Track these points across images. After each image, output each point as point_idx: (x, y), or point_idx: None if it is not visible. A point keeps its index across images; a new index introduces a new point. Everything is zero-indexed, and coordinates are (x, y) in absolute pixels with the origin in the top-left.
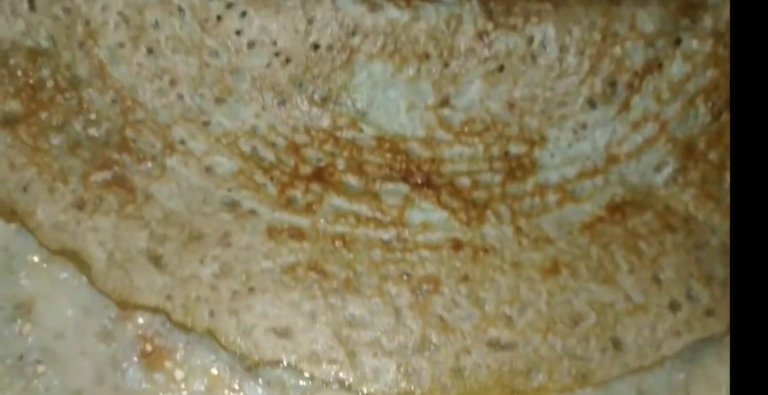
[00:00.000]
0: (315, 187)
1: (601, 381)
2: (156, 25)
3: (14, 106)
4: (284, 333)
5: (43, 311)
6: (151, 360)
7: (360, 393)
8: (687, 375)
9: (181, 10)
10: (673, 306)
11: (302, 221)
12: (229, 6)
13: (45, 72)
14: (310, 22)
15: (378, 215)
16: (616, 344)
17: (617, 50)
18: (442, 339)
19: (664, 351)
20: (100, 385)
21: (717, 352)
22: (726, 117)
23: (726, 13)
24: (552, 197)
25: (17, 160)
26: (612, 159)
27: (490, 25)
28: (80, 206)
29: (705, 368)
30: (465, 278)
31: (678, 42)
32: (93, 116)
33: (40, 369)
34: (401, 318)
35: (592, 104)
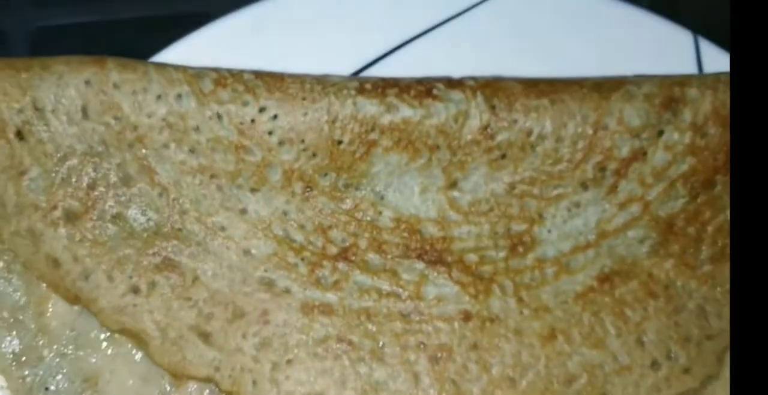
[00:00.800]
0: (341, 265)
1: None
2: (197, 129)
3: (73, 203)
4: None
5: (108, 382)
6: None
7: None
8: None
9: (219, 115)
10: (655, 366)
11: (331, 298)
12: (262, 110)
13: (99, 172)
14: (333, 122)
15: (397, 290)
16: None
17: (606, 142)
18: None
19: None
20: None
21: None
22: (702, 198)
23: (705, 106)
24: (549, 270)
25: (79, 252)
26: (602, 234)
27: (493, 120)
28: (136, 290)
29: None
30: (474, 346)
31: (660, 134)
32: (143, 209)
33: None
34: (420, 383)
35: (584, 186)
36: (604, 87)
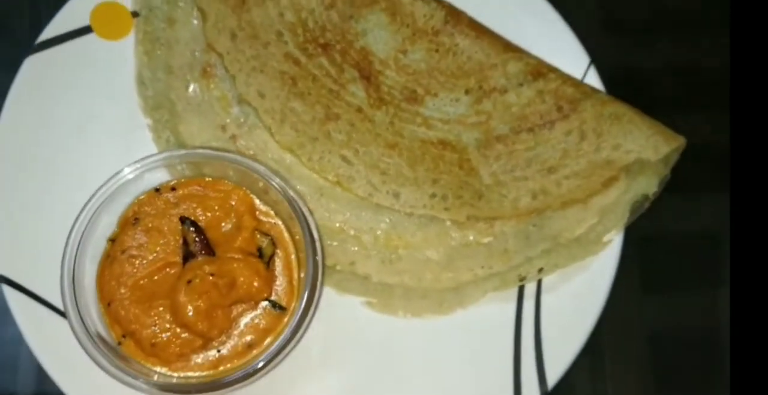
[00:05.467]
0: (319, 50)
1: None
2: None
3: None
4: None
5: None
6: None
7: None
8: None
9: None
10: (433, 197)
11: (303, 60)
12: None
13: None
14: None
15: (336, 77)
16: None
17: (491, 75)
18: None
19: None
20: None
21: None
22: (523, 135)
23: (550, 84)
24: (418, 120)
25: None
26: (457, 121)
27: (444, 32)
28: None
29: None
30: (353, 125)
31: (521, 85)
32: None
33: None
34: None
35: (466, 92)
36: (511, 48)
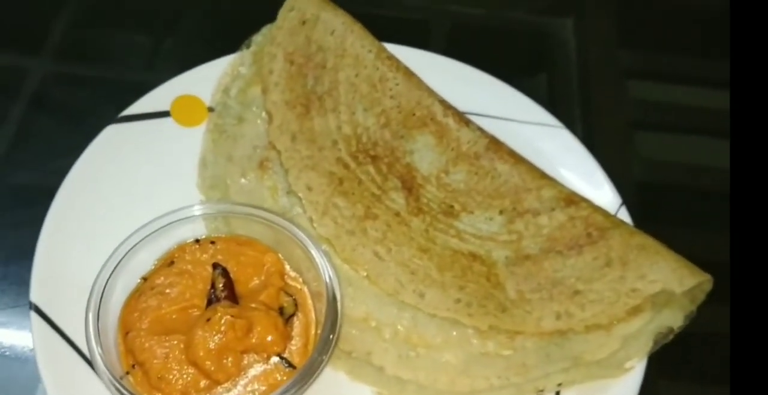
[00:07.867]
0: (368, 159)
1: None
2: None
3: None
4: None
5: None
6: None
7: None
8: None
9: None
10: (458, 301)
11: (353, 166)
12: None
13: None
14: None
15: (380, 183)
16: None
17: (526, 198)
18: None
19: None
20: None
21: None
22: (549, 255)
23: (581, 211)
24: (452, 231)
25: None
26: (489, 238)
27: (484, 162)
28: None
29: None
30: (389, 227)
31: (553, 209)
32: None
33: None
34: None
35: (500, 212)
36: (546, 177)
